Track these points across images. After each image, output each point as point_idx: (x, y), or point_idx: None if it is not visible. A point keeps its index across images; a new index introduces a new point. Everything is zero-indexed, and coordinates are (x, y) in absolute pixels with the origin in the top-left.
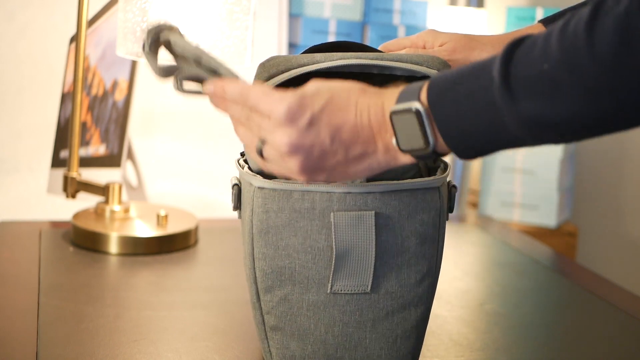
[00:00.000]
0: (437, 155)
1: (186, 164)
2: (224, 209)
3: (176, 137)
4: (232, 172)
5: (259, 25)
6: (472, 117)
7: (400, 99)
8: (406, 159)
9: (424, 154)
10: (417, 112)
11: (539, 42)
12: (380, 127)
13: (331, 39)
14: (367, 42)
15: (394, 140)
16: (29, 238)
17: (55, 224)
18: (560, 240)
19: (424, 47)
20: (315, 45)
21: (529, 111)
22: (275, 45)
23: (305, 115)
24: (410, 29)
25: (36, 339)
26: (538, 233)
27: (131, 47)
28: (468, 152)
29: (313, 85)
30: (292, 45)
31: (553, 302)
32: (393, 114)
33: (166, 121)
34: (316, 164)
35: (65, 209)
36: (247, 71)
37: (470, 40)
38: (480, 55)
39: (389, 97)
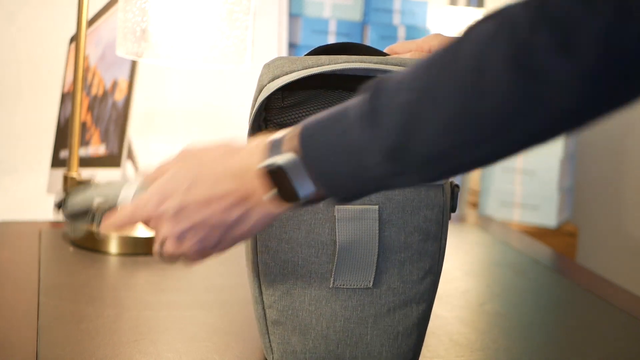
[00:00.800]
0: (316, 201)
1: None
2: None
3: (176, 137)
4: None
5: (259, 25)
6: (340, 157)
7: (271, 150)
8: (287, 207)
9: (304, 203)
10: (290, 164)
11: (399, 76)
12: (254, 183)
13: (331, 39)
14: (367, 42)
15: (272, 193)
16: (29, 238)
17: (55, 224)
18: (560, 240)
19: (430, 51)
20: (321, 46)
21: (390, 144)
22: (275, 45)
23: (171, 205)
24: (410, 29)
25: (36, 339)
26: (538, 233)
27: (131, 47)
28: (345, 195)
29: (175, 164)
30: (292, 45)
31: (553, 302)
32: (267, 168)
33: (166, 121)
34: (205, 241)
35: None
36: (246, 72)
37: None
38: None
39: (258, 152)
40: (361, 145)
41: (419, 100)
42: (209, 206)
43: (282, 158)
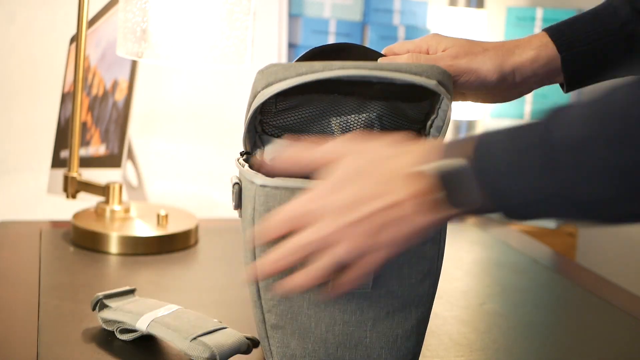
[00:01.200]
0: (483, 213)
1: (186, 164)
2: (224, 209)
3: (176, 137)
4: (232, 171)
5: (259, 25)
6: (513, 173)
7: (444, 154)
8: (453, 214)
9: (470, 212)
10: (461, 170)
11: (581, 106)
12: (421, 185)
13: (331, 39)
14: (367, 42)
15: (439, 196)
16: (29, 238)
17: (55, 224)
18: (560, 240)
19: (427, 52)
20: (316, 47)
21: (564, 184)
22: (275, 45)
23: (338, 197)
24: (410, 29)
25: (36, 339)
26: (538, 233)
27: (131, 47)
28: (512, 213)
29: (344, 160)
30: (292, 45)
31: (553, 302)
32: (437, 170)
33: (166, 121)
34: (364, 240)
35: (65, 209)
36: (246, 72)
37: (473, 45)
38: (483, 61)
39: (429, 155)
40: (533, 168)
41: (591, 140)
42: (372, 202)
43: (453, 162)
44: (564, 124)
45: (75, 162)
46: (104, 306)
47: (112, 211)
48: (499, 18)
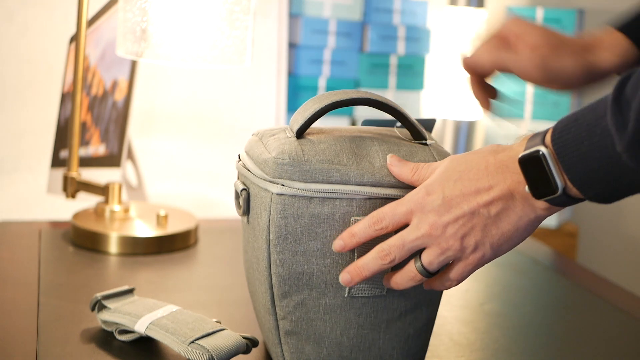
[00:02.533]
0: (571, 200)
1: (186, 164)
2: (224, 209)
3: (176, 137)
4: (232, 171)
5: (259, 25)
6: (590, 151)
7: (527, 145)
8: (544, 208)
9: (557, 200)
10: (542, 155)
11: None
12: (516, 177)
13: (331, 38)
14: (367, 42)
15: (526, 188)
16: (28, 238)
17: (55, 224)
18: (560, 240)
19: (515, 38)
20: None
21: (629, 135)
22: (275, 45)
23: (438, 196)
24: (410, 29)
25: (36, 338)
26: (538, 233)
27: (131, 47)
28: (596, 193)
29: (441, 168)
30: (292, 45)
31: (553, 302)
32: (521, 161)
33: (166, 121)
34: (466, 240)
35: (65, 209)
36: (246, 71)
37: (560, 41)
38: (567, 63)
39: (522, 146)
40: (607, 134)
41: None
42: (474, 198)
43: (540, 148)
44: (633, 83)
45: (74, 162)
46: (102, 307)
47: (112, 211)
48: (499, 18)
